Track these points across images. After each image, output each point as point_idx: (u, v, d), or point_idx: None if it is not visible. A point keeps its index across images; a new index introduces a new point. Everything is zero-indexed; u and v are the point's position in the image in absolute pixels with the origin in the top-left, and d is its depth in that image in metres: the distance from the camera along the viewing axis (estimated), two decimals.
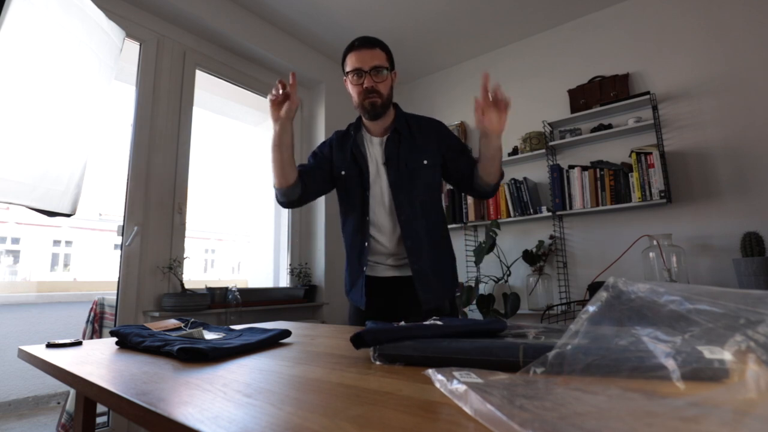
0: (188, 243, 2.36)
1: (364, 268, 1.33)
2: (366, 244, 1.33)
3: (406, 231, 1.30)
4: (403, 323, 0.77)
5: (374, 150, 1.36)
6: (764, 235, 1.98)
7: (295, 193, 1.35)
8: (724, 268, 2.16)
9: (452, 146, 1.38)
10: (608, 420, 0.32)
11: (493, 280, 2.76)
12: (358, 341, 0.64)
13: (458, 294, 2.61)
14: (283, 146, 1.26)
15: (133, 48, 2.26)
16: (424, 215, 1.33)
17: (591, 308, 0.47)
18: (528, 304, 2.63)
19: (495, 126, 1.15)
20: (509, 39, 3.05)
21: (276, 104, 1.21)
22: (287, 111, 1.21)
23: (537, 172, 2.83)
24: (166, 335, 0.86)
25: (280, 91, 1.20)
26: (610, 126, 2.52)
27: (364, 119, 1.37)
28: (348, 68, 1.29)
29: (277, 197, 1.38)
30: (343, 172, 1.37)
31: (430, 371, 0.47)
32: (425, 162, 1.33)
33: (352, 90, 1.31)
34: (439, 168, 1.37)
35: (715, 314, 0.41)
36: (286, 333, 0.89)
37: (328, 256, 2.97)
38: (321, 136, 3.11)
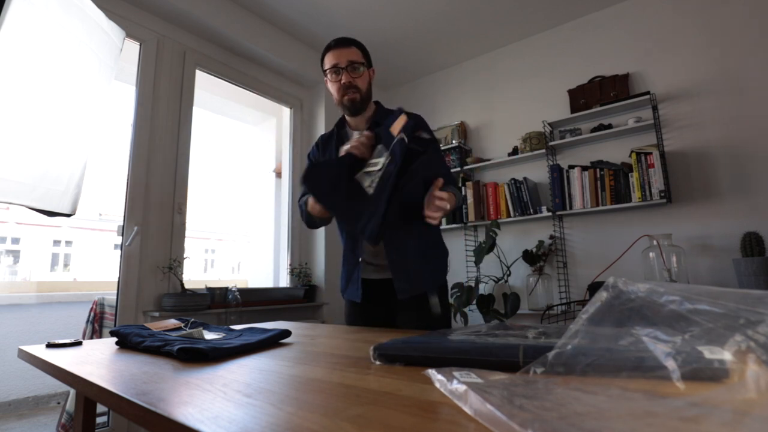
0: (188, 243, 2.36)
1: (360, 259, 1.35)
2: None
3: None
4: None
5: None
6: (764, 235, 1.98)
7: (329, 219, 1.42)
8: (724, 268, 2.16)
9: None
10: (608, 420, 0.32)
11: (493, 280, 2.76)
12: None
13: (458, 294, 2.61)
14: None
15: (133, 48, 2.26)
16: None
17: (591, 308, 0.47)
18: (528, 304, 2.63)
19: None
20: (509, 39, 3.05)
21: None
22: None
23: (537, 172, 2.83)
24: (166, 335, 0.86)
25: None
26: (610, 126, 2.52)
27: (346, 116, 1.41)
28: (326, 66, 1.34)
29: (309, 222, 1.40)
30: None
31: (430, 371, 0.47)
32: None
33: (331, 87, 1.35)
34: None
35: (715, 314, 0.40)
36: (286, 333, 0.89)
37: (328, 256, 2.97)
38: None
